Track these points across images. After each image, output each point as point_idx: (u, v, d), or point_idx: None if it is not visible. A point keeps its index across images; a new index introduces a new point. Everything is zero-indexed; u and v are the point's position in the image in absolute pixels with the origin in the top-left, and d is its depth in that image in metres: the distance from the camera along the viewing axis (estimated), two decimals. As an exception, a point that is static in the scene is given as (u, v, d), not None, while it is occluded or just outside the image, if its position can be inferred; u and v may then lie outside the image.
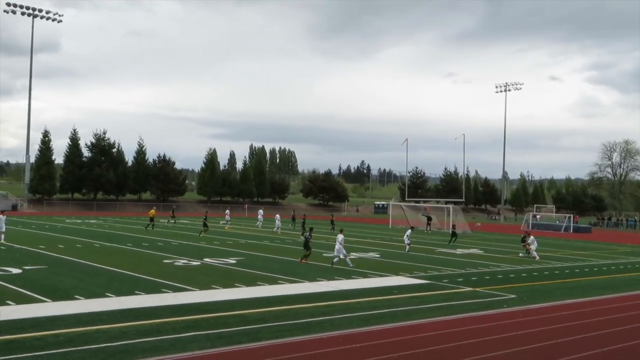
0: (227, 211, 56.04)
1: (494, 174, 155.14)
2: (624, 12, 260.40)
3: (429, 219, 58.41)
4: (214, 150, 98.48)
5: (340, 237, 25.46)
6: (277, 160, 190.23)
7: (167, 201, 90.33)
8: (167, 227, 47.42)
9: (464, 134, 65.27)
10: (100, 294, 16.65)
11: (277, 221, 46.97)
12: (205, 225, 40.29)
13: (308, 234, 26.88)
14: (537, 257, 31.46)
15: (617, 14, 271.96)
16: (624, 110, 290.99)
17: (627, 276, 26.63)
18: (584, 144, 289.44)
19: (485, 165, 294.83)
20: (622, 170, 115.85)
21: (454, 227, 44.25)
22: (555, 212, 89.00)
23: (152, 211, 47.20)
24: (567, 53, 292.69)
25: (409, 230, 33.90)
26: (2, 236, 30.06)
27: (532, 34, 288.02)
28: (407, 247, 32.83)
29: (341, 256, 24.91)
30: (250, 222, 59.23)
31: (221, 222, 53.12)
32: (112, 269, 21.95)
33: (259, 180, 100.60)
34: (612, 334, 14.13)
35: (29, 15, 72.60)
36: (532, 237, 33.33)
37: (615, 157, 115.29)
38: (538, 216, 79.59)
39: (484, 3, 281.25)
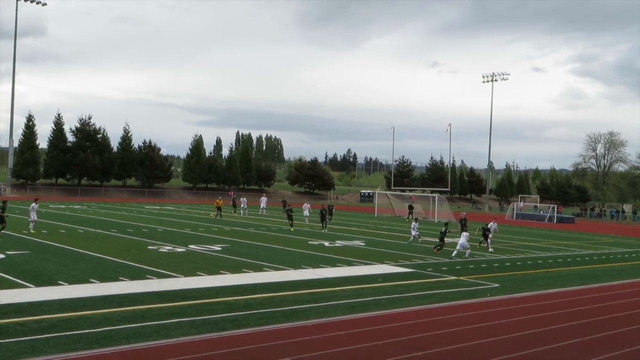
0: (244, 199, 55.01)
1: (480, 164, 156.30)
2: (607, 6, 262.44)
3: (411, 207, 58.83)
4: (200, 137, 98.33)
5: (466, 234, 27.16)
6: (264, 148, 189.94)
7: (153, 187, 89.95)
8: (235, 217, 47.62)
9: (450, 124, 65.06)
10: (84, 280, 16.56)
11: (305, 211, 45.50)
12: (290, 217, 38.76)
13: (445, 228, 28.16)
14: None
15: (600, 7, 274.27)
16: (608, 103, 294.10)
17: (609, 266, 26.93)
18: (569, 135, 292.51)
19: (471, 155, 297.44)
20: (606, 161, 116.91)
21: (464, 220, 37.13)
22: (540, 202, 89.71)
23: (218, 201, 48.01)
24: (552, 45, 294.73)
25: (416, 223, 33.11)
26: (32, 224, 29.07)
27: (518, 25, 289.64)
28: (412, 238, 32.06)
29: (461, 250, 26.33)
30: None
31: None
32: (96, 254, 21.84)
33: (245, 168, 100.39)
34: (593, 323, 14.29)
35: (13, -3, 71.58)
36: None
37: (600, 149, 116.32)
38: (521, 204, 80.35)
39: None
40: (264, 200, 56.92)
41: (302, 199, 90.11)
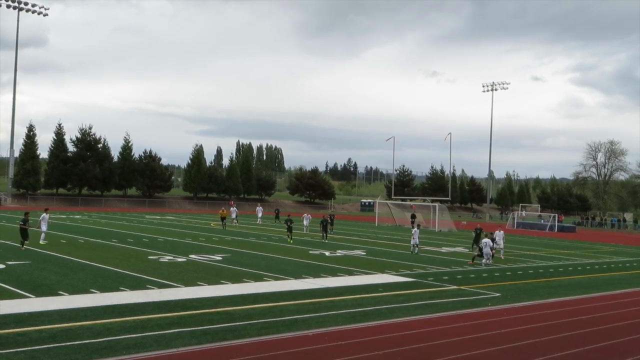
0: (234, 209, 54.09)
1: (480, 173, 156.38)
2: (606, 15, 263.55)
3: (413, 217, 58.90)
4: (201, 147, 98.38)
5: (488, 241, 27.82)
6: (264, 157, 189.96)
7: (153, 197, 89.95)
8: (234, 227, 47.70)
9: (450, 133, 65.05)
10: (85, 290, 16.54)
11: (305, 221, 44.90)
12: (289, 229, 36.58)
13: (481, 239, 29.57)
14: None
15: (599, 16, 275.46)
16: (608, 112, 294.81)
17: (610, 275, 26.89)
18: (569, 144, 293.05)
19: (471, 164, 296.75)
20: (606, 170, 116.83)
21: (480, 230, 34.91)
22: (540, 211, 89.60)
23: (222, 211, 48.03)
24: (551, 55, 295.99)
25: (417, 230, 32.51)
26: (43, 235, 28.64)
27: (517, 35, 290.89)
28: (412, 247, 31.52)
29: (488, 258, 27.74)
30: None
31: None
32: (96, 264, 21.82)
33: (246, 177, 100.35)
34: (594, 332, 14.27)
35: (14, 8, 71.88)
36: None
37: (600, 158, 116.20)
38: (523, 213, 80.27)
39: (469, 4, 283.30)
40: (260, 210, 56.82)
41: (303, 208, 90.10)
